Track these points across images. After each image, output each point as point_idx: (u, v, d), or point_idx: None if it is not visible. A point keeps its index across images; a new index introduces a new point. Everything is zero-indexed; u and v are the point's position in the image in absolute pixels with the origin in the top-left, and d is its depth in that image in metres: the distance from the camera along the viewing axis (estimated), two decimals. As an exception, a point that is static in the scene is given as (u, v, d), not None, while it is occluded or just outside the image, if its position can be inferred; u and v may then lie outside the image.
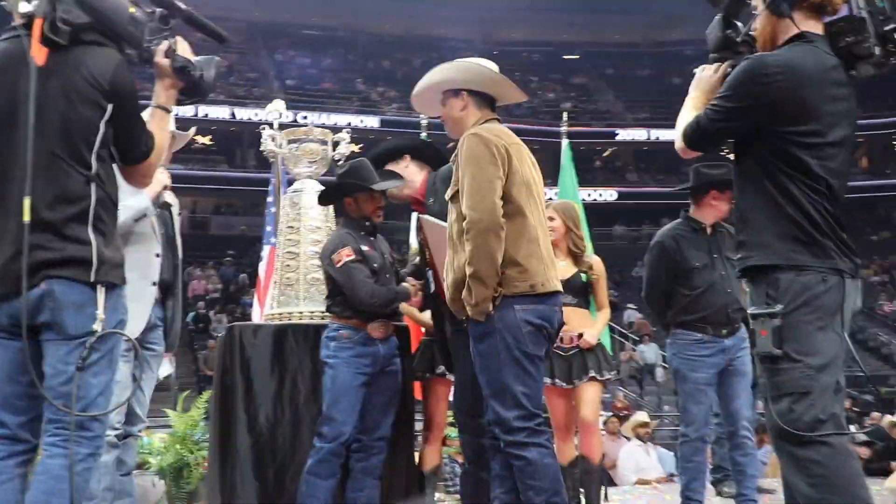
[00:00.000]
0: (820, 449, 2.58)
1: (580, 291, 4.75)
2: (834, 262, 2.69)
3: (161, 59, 2.81)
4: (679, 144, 2.99)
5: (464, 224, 3.29)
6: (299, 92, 31.27)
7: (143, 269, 3.75)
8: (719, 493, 5.92)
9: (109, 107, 2.63)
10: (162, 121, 2.88)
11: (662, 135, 32.24)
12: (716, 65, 3.05)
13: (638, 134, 33.41)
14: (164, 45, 2.80)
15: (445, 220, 3.53)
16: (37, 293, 2.53)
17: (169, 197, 3.85)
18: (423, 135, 7.91)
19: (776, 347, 2.63)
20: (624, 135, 33.47)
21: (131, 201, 3.68)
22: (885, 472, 7.27)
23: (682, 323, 4.83)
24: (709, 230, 4.86)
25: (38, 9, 2.56)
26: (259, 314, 8.15)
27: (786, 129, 2.70)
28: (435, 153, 4.23)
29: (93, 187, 2.61)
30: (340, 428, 4.15)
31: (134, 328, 3.60)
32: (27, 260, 2.49)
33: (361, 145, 5.38)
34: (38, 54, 2.54)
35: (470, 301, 3.29)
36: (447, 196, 3.52)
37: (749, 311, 2.76)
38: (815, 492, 2.55)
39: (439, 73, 3.63)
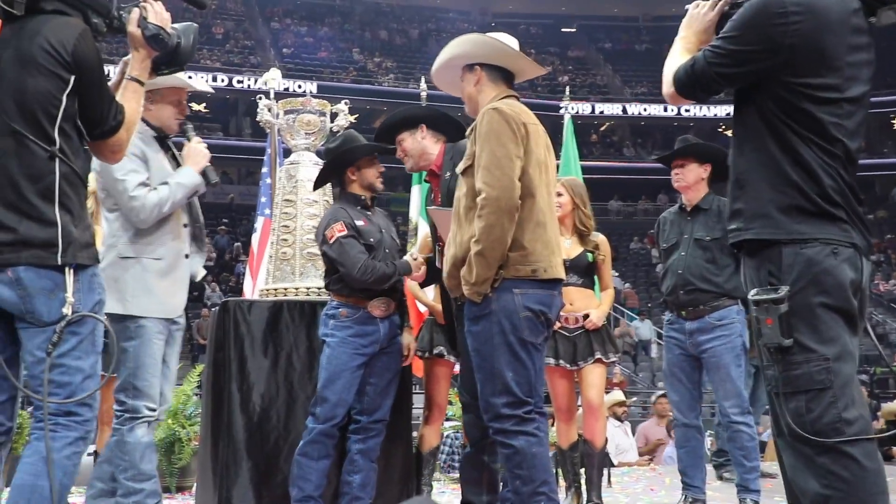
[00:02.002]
0: (844, 462, 2.24)
1: (585, 271, 4.60)
2: (847, 234, 2.34)
3: (133, 29, 2.70)
4: (668, 90, 2.60)
5: (479, 200, 3.16)
6: (296, 61, 30.96)
7: (176, 242, 3.61)
8: (720, 478, 5.83)
9: (72, 79, 2.49)
10: (135, 93, 2.76)
11: (660, 110, 32.12)
12: (711, 1, 2.64)
13: (635, 108, 33.22)
14: (136, 13, 2.68)
15: None
16: (4, 280, 2.43)
17: (212, 173, 3.73)
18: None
19: (785, 337, 2.28)
20: (621, 109, 33.26)
21: (181, 178, 3.56)
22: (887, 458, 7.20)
23: (662, 303, 4.78)
24: (689, 209, 4.72)
25: None
26: (251, 287, 8.01)
27: (799, 81, 2.34)
28: (453, 124, 4.04)
29: (56, 163, 2.48)
30: (334, 410, 4.02)
31: (178, 302, 3.58)
32: None
33: (357, 115, 5.20)
34: None
35: (469, 279, 3.18)
36: (458, 169, 3.39)
37: (750, 296, 2.36)
38: (830, 500, 2.24)
39: (453, 48, 3.49)
